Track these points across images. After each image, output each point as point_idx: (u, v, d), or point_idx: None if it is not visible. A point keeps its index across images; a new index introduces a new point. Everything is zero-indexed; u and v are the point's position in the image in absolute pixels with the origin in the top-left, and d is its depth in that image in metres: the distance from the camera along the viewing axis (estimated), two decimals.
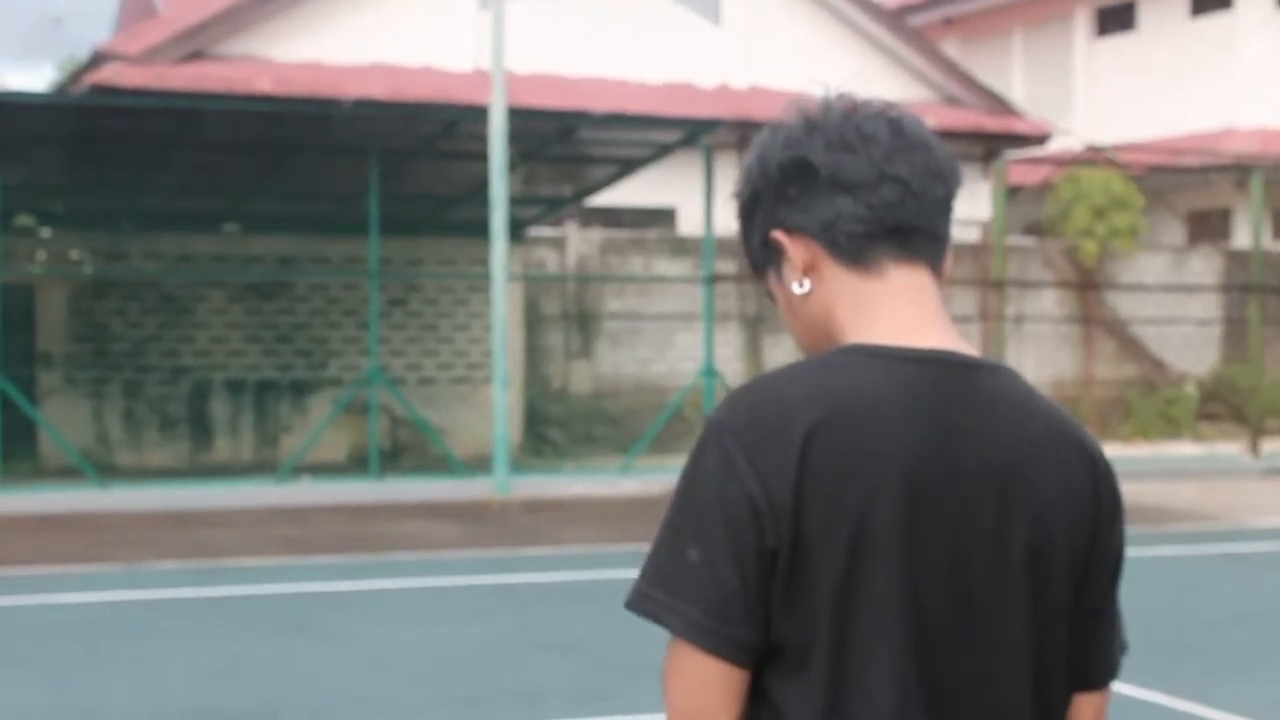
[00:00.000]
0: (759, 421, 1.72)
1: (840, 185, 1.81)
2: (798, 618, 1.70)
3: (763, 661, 1.73)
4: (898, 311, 1.81)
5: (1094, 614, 1.84)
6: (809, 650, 1.71)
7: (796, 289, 1.85)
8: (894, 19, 26.79)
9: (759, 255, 1.90)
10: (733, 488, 1.70)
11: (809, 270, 1.84)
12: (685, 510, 1.74)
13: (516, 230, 20.28)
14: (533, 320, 21.98)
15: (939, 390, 1.76)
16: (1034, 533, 1.76)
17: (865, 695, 1.70)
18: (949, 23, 32.42)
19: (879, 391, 1.74)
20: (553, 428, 21.86)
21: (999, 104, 26.26)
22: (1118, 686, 7.61)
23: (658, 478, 16.95)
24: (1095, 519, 1.82)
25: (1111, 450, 22.75)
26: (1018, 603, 1.76)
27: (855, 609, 1.70)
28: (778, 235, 1.85)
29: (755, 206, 1.89)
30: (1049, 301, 25.09)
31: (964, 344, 1.82)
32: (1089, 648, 1.85)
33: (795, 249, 1.84)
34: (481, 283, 20.11)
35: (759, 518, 1.69)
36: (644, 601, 1.74)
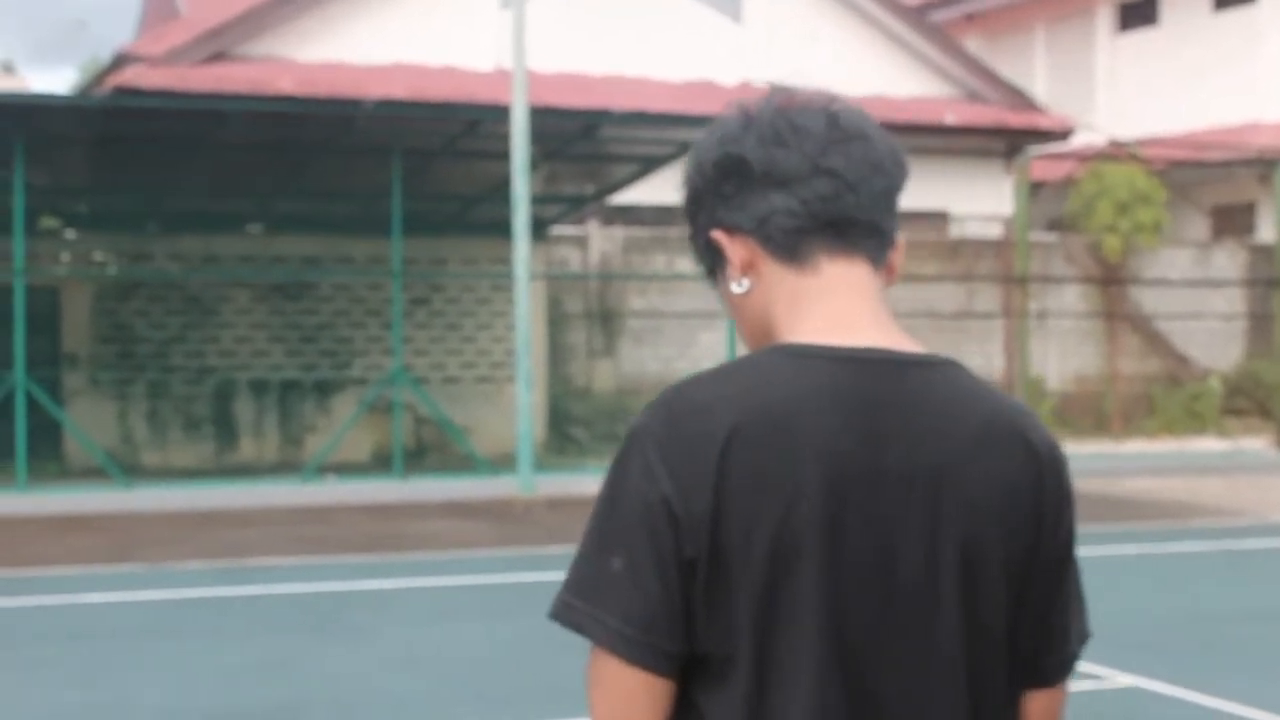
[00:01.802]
0: (678, 428, 1.68)
1: (773, 180, 1.77)
2: (719, 627, 1.67)
3: (689, 671, 1.69)
4: (831, 307, 1.76)
5: (1042, 611, 1.77)
6: (731, 660, 1.67)
7: (735, 289, 1.81)
8: (916, 15, 26.73)
9: (706, 257, 1.86)
10: (653, 496, 1.66)
11: (748, 269, 1.80)
12: (608, 519, 1.71)
13: (539, 229, 20.30)
14: (556, 319, 22.00)
15: (865, 390, 1.70)
16: (966, 533, 1.70)
17: (787, 706, 1.67)
18: (971, 19, 32.36)
19: (801, 394, 1.68)
20: (576, 426, 21.88)
21: (1021, 100, 26.19)
22: (1139, 680, 7.56)
23: None
24: (1038, 516, 1.74)
25: (1136, 445, 22.52)
26: (949, 606, 1.70)
27: (777, 618, 1.66)
28: (716, 235, 1.81)
29: (697, 207, 1.85)
30: (1072, 297, 25.02)
31: (903, 340, 1.77)
32: (1039, 645, 1.78)
33: (733, 248, 1.80)
34: (504, 281, 20.14)
35: (676, 526, 1.65)
36: (566, 611, 1.72)
